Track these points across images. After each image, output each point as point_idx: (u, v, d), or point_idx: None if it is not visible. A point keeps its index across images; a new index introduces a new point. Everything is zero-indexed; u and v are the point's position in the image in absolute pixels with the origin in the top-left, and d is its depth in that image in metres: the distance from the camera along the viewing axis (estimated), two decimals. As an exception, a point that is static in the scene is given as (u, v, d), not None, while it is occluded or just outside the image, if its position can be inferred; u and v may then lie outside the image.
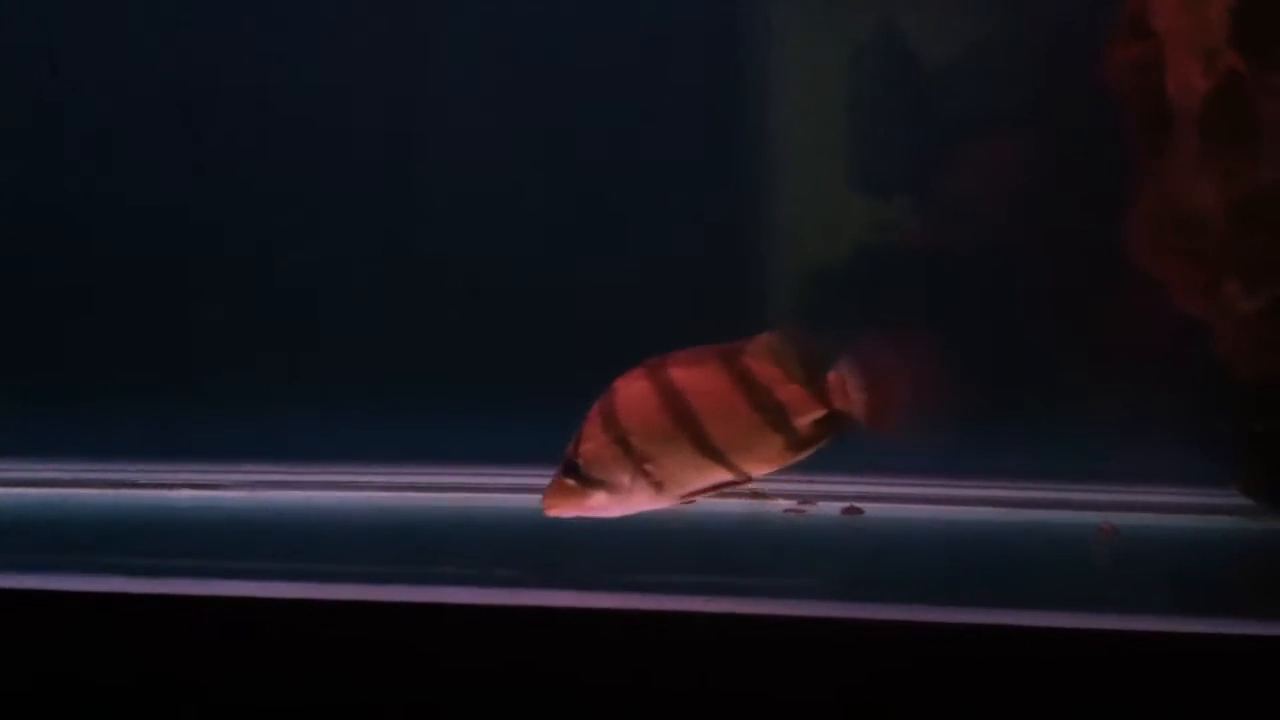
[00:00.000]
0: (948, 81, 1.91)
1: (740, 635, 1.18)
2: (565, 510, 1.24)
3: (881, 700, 1.16)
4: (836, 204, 1.95)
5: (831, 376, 1.21)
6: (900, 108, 1.94)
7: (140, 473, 1.88)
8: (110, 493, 1.85)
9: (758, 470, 1.24)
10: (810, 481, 1.83)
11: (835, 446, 1.86)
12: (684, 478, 1.23)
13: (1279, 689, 1.13)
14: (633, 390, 1.22)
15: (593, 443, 1.22)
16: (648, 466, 1.22)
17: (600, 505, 1.24)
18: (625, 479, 1.22)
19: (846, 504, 1.74)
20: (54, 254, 1.98)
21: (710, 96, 1.96)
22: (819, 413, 1.22)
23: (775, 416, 1.22)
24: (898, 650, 1.17)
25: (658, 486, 1.23)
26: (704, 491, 1.25)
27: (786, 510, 1.74)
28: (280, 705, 1.19)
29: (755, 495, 1.81)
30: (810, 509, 1.75)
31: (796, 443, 1.23)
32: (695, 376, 1.22)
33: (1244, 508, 1.73)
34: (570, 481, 1.23)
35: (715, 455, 1.22)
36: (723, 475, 1.23)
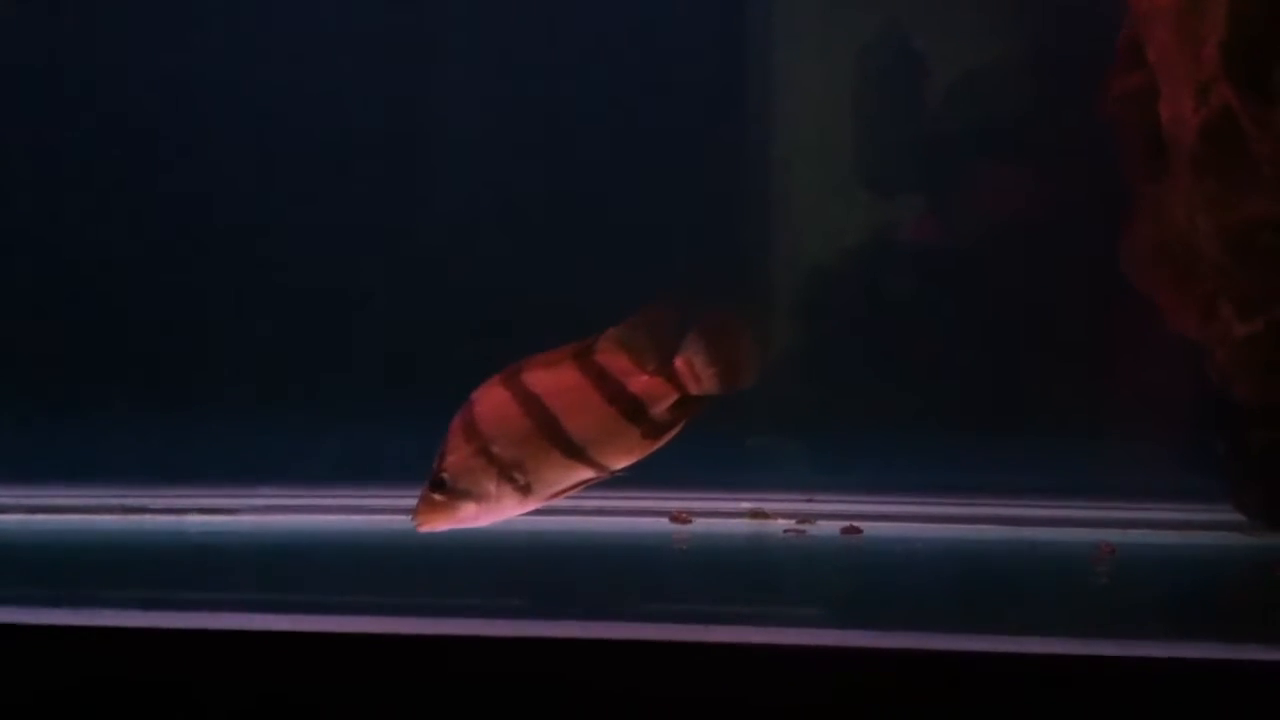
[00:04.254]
0: (952, 83, 1.93)
1: (735, 664, 1.20)
2: (436, 525, 1.25)
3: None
4: (840, 201, 1.97)
5: (679, 361, 1.23)
6: (903, 107, 1.95)
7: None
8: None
9: (620, 463, 1.25)
10: (810, 501, 1.85)
11: (837, 468, 1.90)
12: (548, 479, 1.24)
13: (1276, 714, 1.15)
14: (490, 399, 1.23)
15: (456, 455, 1.23)
16: (513, 473, 1.23)
17: (470, 516, 1.25)
18: (491, 487, 1.23)
19: (846, 524, 1.76)
20: (62, 272, 1.98)
21: (712, 96, 1.97)
22: (672, 398, 1.23)
23: (631, 408, 1.23)
24: (891, 676, 1.18)
25: (524, 490, 1.24)
26: (570, 490, 1.26)
27: (786, 530, 1.76)
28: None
29: (755, 515, 1.83)
30: (809, 529, 1.77)
31: (654, 430, 1.24)
32: (549, 378, 1.23)
33: (1237, 523, 1.76)
34: (437, 496, 1.23)
35: (576, 453, 1.23)
36: (586, 473, 1.24)
